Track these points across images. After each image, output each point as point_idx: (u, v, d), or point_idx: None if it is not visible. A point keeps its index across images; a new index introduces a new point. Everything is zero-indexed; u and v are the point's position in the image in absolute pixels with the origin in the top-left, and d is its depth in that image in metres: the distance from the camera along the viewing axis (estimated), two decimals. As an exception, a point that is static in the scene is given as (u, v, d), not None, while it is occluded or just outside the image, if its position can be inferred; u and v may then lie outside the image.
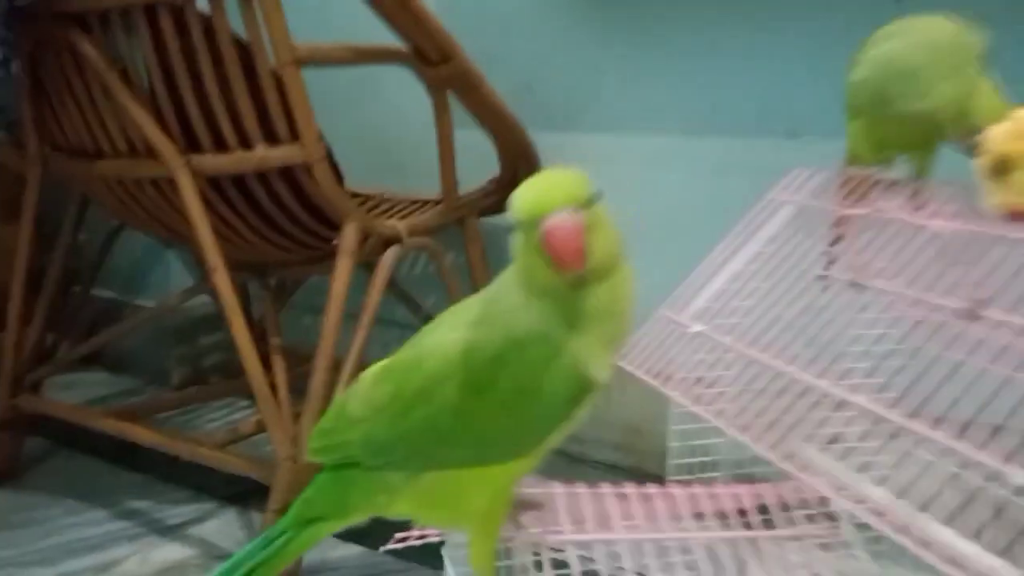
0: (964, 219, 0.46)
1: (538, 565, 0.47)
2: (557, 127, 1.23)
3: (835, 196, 0.57)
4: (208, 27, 0.86)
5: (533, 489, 0.51)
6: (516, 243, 0.44)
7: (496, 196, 1.19)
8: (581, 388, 0.44)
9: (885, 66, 0.56)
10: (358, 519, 0.49)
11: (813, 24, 1.04)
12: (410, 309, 1.30)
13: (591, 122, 1.22)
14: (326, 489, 0.49)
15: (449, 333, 0.46)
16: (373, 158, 1.39)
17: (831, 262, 0.55)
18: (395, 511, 0.48)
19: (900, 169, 0.59)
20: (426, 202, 1.22)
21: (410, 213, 1.18)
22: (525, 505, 0.52)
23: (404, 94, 1.08)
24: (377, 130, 1.40)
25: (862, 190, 0.55)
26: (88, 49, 0.92)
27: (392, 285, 1.26)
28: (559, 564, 0.46)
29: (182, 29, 0.87)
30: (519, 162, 1.14)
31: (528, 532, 0.48)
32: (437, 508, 0.47)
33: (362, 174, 1.36)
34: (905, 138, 0.57)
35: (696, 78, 1.13)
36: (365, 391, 0.48)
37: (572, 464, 1.26)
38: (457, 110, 1.06)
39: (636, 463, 1.22)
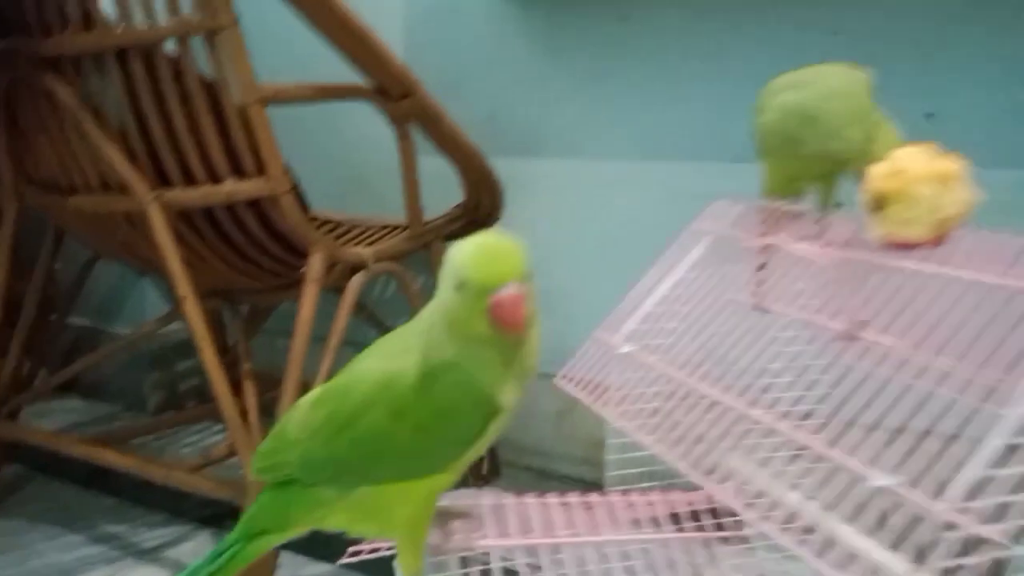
0: (850, 248, 0.51)
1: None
2: (518, 153, 1.28)
3: (747, 227, 0.62)
4: (176, 69, 0.91)
5: (462, 500, 0.55)
6: (452, 295, 0.47)
7: (461, 221, 1.24)
8: (490, 411, 0.49)
9: (796, 113, 0.61)
10: (299, 532, 0.54)
11: (756, 55, 1.10)
12: (381, 332, 1.33)
13: (550, 149, 1.27)
14: (268, 506, 0.54)
15: (376, 362, 0.51)
16: (345, 184, 1.44)
17: (758, 288, 0.60)
18: (331, 524, 0.53)
19: (808, 200, 0.64)
20: (395, 227, 1.26)
21: (379, 238, 1.22)
22: (453, 515, 0.57)
23: (374, 122, 1.12)
24: (348, 157, 1.44)
25: (771, 221, 0.61)
26: (62, 91, 0.96)
27: (362, 309, 1.30)
28: (486, 574, 0.50)
29: (151, 71, 0.91)
30: (481, 188, 1.19)
31: (455, 539, 0.53)
32: (368, 520, 0.52)
33: (334, 200, 1.40)
34: (812, 174, 0.62)
35: (649, 107, 1.19)
36: (303, 415, 0.53)
37: (539, 479, 1.30)
38: (424, 139, 1.11)
39: (599, 476, 1.26)
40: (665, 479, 0.67)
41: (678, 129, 1.17)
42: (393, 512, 0.51)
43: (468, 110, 1.24)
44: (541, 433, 1.31)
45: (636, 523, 0.55)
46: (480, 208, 1.23)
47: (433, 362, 0.48)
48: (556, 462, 1.31)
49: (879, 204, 0.50)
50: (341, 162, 1.45)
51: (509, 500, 0.56)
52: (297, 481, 0.52)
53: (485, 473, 1.25)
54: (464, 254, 0.47)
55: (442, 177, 1.17)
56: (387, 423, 0.48)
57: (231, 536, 0.54)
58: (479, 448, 0.50)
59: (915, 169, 0.50)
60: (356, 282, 1.03)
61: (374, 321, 1.33)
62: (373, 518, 0.52)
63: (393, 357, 0.50)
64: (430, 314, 0.50)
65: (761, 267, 0.59)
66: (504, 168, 1.18)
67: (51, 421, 1.46)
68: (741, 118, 1.16)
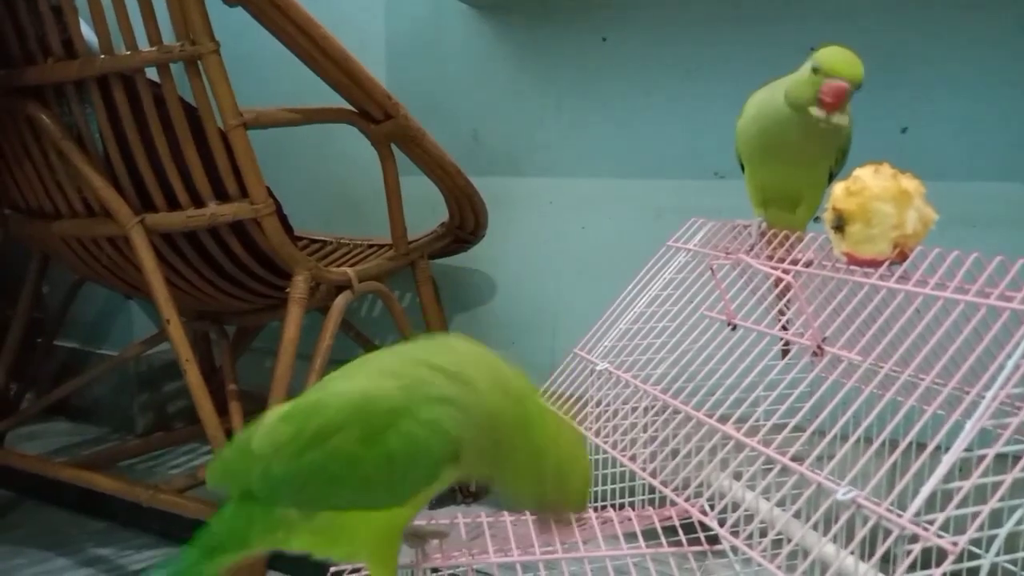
0: (816, 265, 0.52)
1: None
2: (502, 172, 1.30)
3: (719, 244, 0.63)
4: (158, 94, 0.92)
5: (438, 520, 0.56)
6: None
7: (446, 239, 1.25)
8: (454, 453, 0.48)
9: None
10: (259, 551, 0.52)
11: (733, 73, 1.12)
12: (367, 350, 1.34)
13: (533, 167, 1.29)
14: (229, 520, 0.52)
15: (355, 382, 0.49)
16: (331, 204, 1.45)
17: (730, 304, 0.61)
18: (294, 546, 0.51)
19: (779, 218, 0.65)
20: (381, 246, 1.26)
21: (364, 258, 1.23)
22: (429, 533, 0.56)
23: (360, 143, 1.14)
24: (334, 177, 1.45)
25: (741, 238, 0.62)
26: (44, 119, 0.96)
27: (349, 327, 1.31)
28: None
29: (133, 97, 0.92)
30: (465, 207, 1.20)
31: (432, 559, 0.53)
32: (331, 545, 0.51)
33: (320, 220, 1.41)
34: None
35: (630, 125, 1.20)
36: (269, 428, 0.51)
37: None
38: (408, 158, 1.12)
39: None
40: (644, 494, 0.68)
41: (657, 147, 1.19)
42: (357, 538, 0.50)
43: (451, 130, 1.25)
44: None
45: (615, 539, 0.56)
46: (464, 226, 1.24)
47: (416, 393, 0.47)
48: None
49: (841, 222, 0.52)
50: (328, 182, 1.46)
51: (483, 518, 0.57)
52: (256, 497, 0.50)
53: (474, 490, 1.25)
54: None
55: (427, 196, 1.18)
56: (354, 447, 0.47)
57: (189, 552, 0.52)
58: (438, 486, 0.49)
59: (875, 188, 0.51)
60: (340, 302, 1.04)
61: (361, 340, 1.34)
62: (337, 543, 0.50)
63: (374, 378, 0.48)
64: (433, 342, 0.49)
65: (728, 283, 0.60)
66: (487, 186, 1.19)
67: (39, 444, 1.46)
68: (718, 135, 1.18)
